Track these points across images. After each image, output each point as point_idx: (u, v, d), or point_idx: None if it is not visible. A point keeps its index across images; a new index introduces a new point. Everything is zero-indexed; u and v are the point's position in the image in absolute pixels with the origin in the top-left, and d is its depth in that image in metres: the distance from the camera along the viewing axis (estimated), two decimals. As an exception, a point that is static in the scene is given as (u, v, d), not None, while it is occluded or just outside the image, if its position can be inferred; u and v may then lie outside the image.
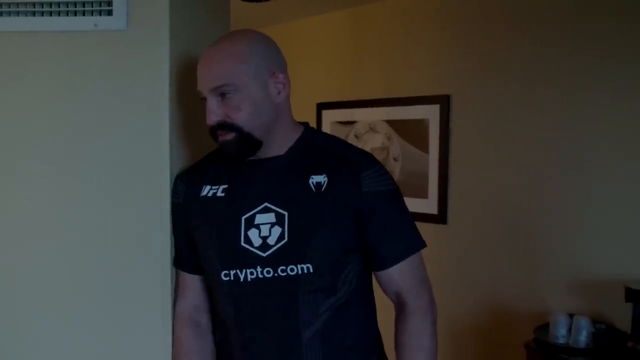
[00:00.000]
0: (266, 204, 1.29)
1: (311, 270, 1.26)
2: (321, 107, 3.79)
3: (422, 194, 3.20)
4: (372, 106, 3.49)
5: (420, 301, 1.34)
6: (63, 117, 1.36)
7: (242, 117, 1.26)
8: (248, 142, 1.29)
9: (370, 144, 3.46)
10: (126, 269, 1.37)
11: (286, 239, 1.27)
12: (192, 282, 1.41)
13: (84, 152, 1.37)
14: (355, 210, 1.29)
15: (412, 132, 3.29)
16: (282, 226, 1.28)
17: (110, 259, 1.37)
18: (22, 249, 1.38)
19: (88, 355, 1.38)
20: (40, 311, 1.38)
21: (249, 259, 1.28)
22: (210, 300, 1.42)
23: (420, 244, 1.36)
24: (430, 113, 3.19)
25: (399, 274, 1.34)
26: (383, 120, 3.44)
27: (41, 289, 1.37)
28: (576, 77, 2.60)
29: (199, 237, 1.36)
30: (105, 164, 1.37)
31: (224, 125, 1.27)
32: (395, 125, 3.38)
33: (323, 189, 1.29)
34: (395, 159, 3.35)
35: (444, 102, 3.10)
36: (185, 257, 1.40)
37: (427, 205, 3.17)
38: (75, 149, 1.37)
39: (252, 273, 1.28)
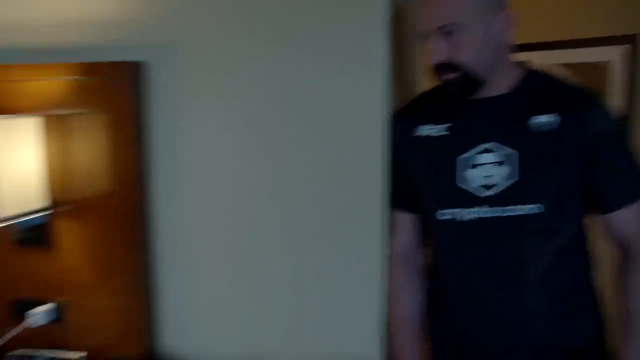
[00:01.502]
0: (494, 142, 1.28)
1: (538, 211, 1.24)
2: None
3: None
4: (546, 49, 3.30)
5: (647, 249, 1.28)
6: (276, 59, 1.38)
7: (466, 57, 1.25)
8: (471, 81, 1.27)
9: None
10: (344, 209, 1.39)
11: (517, 177, 1.25)
12: (406, 221, 1.44)
13: (299, 93, 1.39)
14: (583, 151, 1.26)
15: (589, 76, 3.08)
16: (512, 165, 1.26)
17: (328, 200, 1.40)
18: (244, 195, 1.44)
19: (309, 298, 1.44)
20: (266, 249, 1.45)
21: (468, 199, 1.29)
22: (423, 239, 1.44)
23: (648, 189, 1.29)
24: (612, 55, 2.96)
25: (625, 218, 1.30)
26: (559, 64, 3.24)
27: (263, 229, 1.44)
28: None
29: (417, 175, 1.37)
30: (320, 104, 1.38)
31: (448, 65, 1.26)
32: (572, 69, 3.18)
33: (550, 129, 1.26)
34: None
35: (630, 42, 2.86)
36: (400, 196, 1.42)
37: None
38: (289, 91, 1.39)
39: (472, 213, 1.29)
